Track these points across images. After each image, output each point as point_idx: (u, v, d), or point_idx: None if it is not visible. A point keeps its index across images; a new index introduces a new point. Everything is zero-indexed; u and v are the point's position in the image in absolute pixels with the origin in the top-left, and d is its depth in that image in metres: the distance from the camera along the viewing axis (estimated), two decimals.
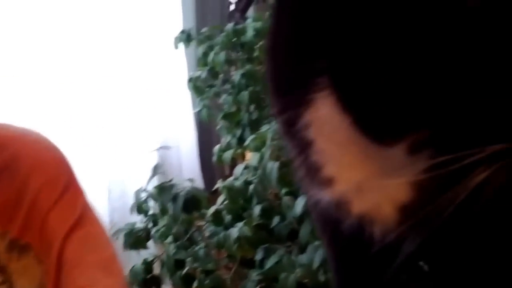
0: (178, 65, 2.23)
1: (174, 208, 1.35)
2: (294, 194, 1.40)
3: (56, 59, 1.98)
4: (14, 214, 0.81)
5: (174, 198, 1.34)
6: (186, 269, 1.36)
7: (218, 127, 1.79)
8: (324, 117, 0.45)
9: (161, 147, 1.91)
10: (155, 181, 1.96)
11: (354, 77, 0.42)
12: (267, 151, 1.22)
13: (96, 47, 2.06)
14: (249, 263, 1.47)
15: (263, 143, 1.41)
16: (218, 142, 2.33)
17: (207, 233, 1.55)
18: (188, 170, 2.21)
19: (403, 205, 0.46)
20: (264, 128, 1.52)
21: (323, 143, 0.47)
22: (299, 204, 1.18)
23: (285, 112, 0.48)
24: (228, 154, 1.55)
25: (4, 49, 1.88)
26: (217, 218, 1.47)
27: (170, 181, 1.41)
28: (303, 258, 1.21)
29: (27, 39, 1.92)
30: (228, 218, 1.51)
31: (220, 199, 1.56)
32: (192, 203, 1.37)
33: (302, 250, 1.40)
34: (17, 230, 0.81)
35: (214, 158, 1.79)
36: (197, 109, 1.79)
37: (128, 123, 2.13)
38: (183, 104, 2.22)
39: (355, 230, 0.50)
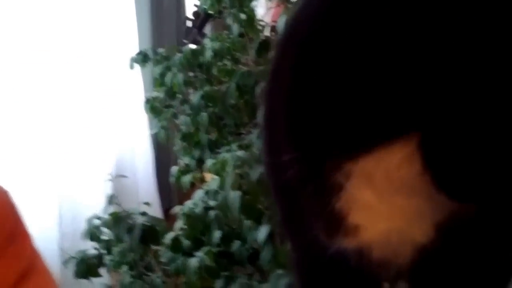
0: (134, 86, 2.18)
1: (130, 239, 1.28)
2: (255, 220, 1.36)
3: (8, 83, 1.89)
4: None
5: (130, 229, 1.27)
6: None
7: (175, 148, 1.74)
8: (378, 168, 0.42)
9: (117, 176, 1.83)
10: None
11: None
12: (228, 179, 1.17)
13: (51, 66, 1.98)
14: None
15: (223, 167, 1.36)
16: (175, 163, 2.28)
17: (163, 259, 1.48)
18: (144, 192, 2.14)
19: (423, 247, 0.46)
20: (223, 152, 1.47)
21: (361, 191, 0.44)
22: (263, 231, 1.13)
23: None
24: (187, 178, 1.50)
25: None
26: (175, 245, 1.41)
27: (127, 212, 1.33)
28: (265, 286, 1.16)
29: None
30: (186, 243, 1.45)
31: (178, 224, 1.50)
32: (150, 234, 1.30)
33: (264, 276, 1.36)
34: None
35: (172, 179, 1.73)
36: (154, 131, 1.73)
37: (82, 144, 2.05)
38: (139, 125, 2.16)
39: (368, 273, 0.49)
